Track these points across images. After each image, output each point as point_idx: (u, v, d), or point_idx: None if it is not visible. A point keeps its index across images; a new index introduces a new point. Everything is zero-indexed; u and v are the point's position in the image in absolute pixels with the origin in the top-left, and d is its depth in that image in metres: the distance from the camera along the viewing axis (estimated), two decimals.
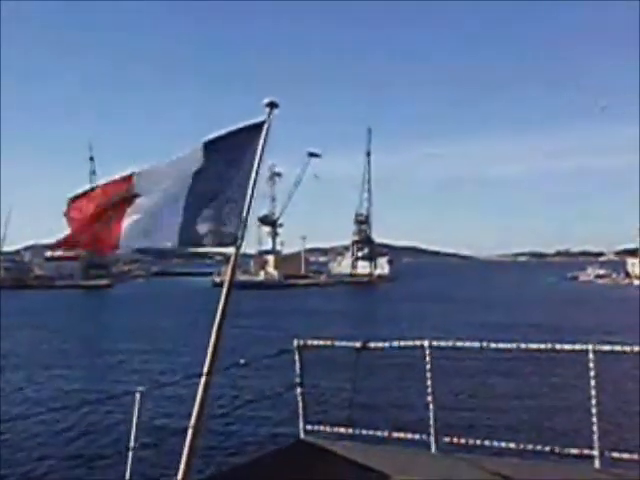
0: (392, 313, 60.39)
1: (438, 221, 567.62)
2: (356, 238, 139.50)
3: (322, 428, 7.27)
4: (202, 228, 5.27)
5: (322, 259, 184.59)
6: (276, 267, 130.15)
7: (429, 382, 6.63)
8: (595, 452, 5.96)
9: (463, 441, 6.59)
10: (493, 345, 6.54)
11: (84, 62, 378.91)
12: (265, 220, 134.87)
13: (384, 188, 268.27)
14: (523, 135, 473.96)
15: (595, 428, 5.96)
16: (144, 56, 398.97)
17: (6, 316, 56.79)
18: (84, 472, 16.24)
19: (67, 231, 5.34)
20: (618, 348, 6.05)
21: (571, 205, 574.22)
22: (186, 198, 5.25)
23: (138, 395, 5.44)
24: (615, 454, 5.93)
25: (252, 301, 65.90)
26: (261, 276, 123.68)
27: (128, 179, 5.26)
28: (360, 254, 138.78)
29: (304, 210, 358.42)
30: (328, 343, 7.29)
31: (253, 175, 5.35)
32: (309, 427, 7.26)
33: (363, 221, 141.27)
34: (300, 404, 7.26)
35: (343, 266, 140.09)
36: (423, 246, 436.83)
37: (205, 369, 5.15)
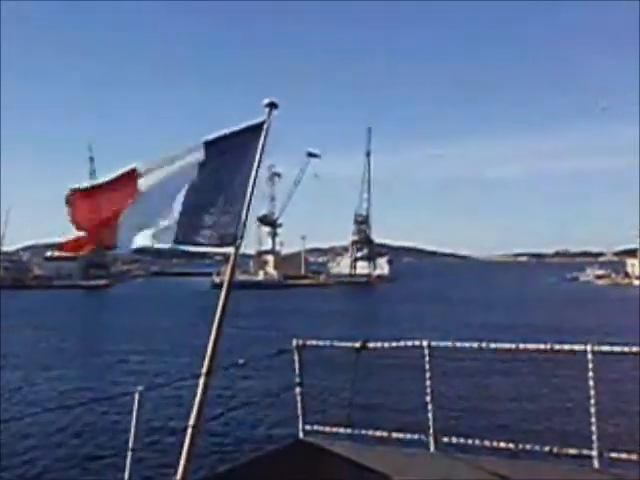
0: (391, 313, 60.42)
1: (438, 221, 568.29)
2: (356, 238, 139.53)
3: (321, 428, 7.27)
4: (201, 228, 5.27)
5: (321, 259, 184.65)
6: (275, 267, 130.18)
7: (428, 382, 6.64)
8: (594, 452, 5.96)
9: (462, 441, 6.59)
10: (492, 345, 6.55)
11: (84, 62, 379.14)
12: (265, 220, 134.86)
13: (384, 188, 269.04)
14: (523, 136, 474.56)
15: (594, 428, 5.96)
16: (144, 56, 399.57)
17: (5, 316, 56.76)
18: (83, 472, 16.25)
19: (72, 233, 5.34)
20: (617, 349, 6.05)
21: (570, 206, 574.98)
22: (185, 198, 5.25)
23: (137, 395, 5.44)
24: (614, 454, 5.93)
25: (251, 301, 65.90)
26: (260, 276, 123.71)
27: (131, 175, 5.24)
28: (359, 254, 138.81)
29: (304, 210, 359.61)
30: (327, 343, 7.29)
31: (253, 175, 5.35)
32: (308, 427, 7.26)
33: (363, 221, 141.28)
34: (299, 404, 7.26)
35: (342, 266, 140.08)
36: (422, 246, 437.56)
37: (204, 369, 5.15)
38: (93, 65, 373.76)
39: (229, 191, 5.31)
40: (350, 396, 8.13)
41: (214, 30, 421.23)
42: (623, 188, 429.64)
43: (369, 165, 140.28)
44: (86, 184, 5.46)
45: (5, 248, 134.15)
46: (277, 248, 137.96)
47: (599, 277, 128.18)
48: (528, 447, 6.33)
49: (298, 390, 7.24)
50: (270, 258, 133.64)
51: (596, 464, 5.95)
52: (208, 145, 5.33)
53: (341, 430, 7.18)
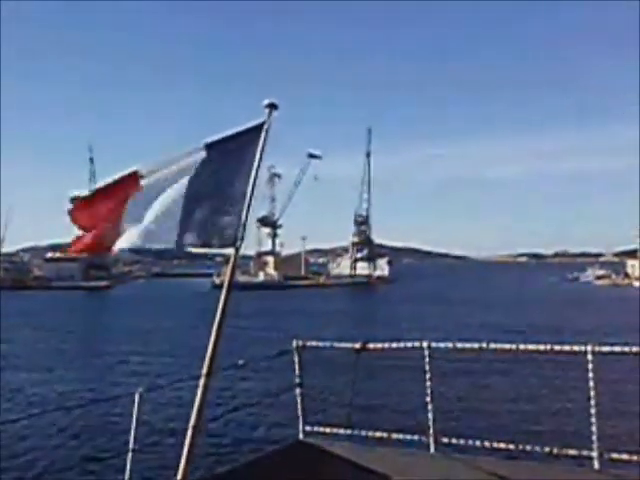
0: (391, 314, 60.42)
1: (438, 222, 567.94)
2: (356, 239, 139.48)
3: (321, 429, 7.27)
4: (201, 229, 5.27)
5: (322, 260, 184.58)
6: (276, 268, 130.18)
7: (428, 383, 6.64)
8: (594, 453, 5.96)
9: (462, 442, 6.59)
10: (492, 346, 6.55)
11: (84, 62, 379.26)
12: (265, 221, 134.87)
13: (384, 189, 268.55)
14: (523, 136, 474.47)
15: (594, 429, 5.96)
16: (144, 56, 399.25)
17: (5, 317, 56.76)
18: (84, 473, 16.24)
19: (74, 234, 5.36)
20: (617, 349, 6.05)
21: (570, 206, 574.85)
22: (185, 199, 5.25)
23: (137, 396, 5.45)
24: (614, 455, 5.93)
25: (252, 302, 65.90)
26: (261, 277, 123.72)
27: (133, 178, 5.25)
28: (360, 255, 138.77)
29: (304, 211, 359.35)
30: (327, 344, 7.29)
31: (253, 176, 5.35)
32: (308, 428, 7.26)
33: (363, 222, 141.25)
34: (299, 405, 7.26)
35: (343, 267, 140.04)
36: (423, 247, 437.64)
37: (204, 370, 5.15)
38: (93, 65, 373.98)
39: (229, 192, 5.32)
40: (350, 397, 8.13)
41: (214, 30, 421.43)
42: (623, 188, 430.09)
43: (369, 166, 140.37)
44: (86, 192, 5.50)
45: (5, 249, 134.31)
46: (277, 249, 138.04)
47: (599, 278, 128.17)
48: (528, 448, 6.33)
49: (298, 391, 7.25)
50: (270, 259, 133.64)
51: (596, 465, 5.95)
52: (209, 147, 5.34)
53: (341, 431, 7.18)
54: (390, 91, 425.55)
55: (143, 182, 5.25)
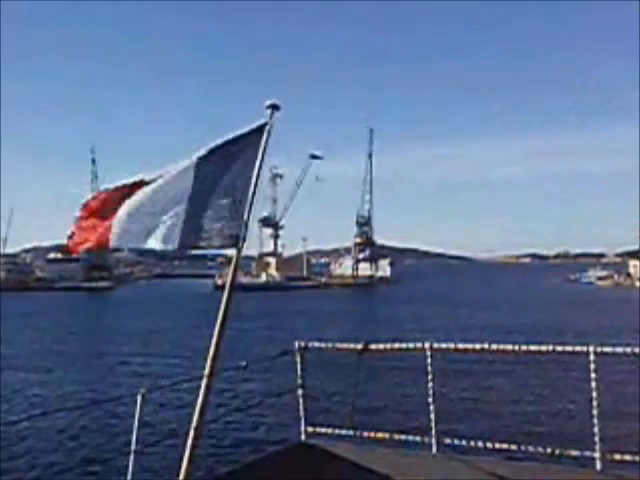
0: (393, 315, 60.40)
1: (440, 223, 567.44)
2: (358, 240, 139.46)
3: (323, 430, 7.27)
4: (204, 230, 5.28)
5: (323, 261, 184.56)
6: (278, 269, 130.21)
7: (430, 384, 6.64)
8: (596, 454, 5.95)
9: (464, 443, 6.59)
10: (494, 347, 6.55)
11: (84, 62, 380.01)
12: (266, 222, 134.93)
13: (385, 189, 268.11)
14: (524, 136, 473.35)
15: (596, 430, 5.96)
16: (144, 56, 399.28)
17: (8, 318, 56.88)
18: (86, 474, 16.24)
19: (71, 232, 5.37)
20: (619, 350, 6.04)
21: (572, 207, 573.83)
22: (188, 200, 5.26)
23: (140, 397, 5.46)
24: (616, 456, 5.93)
25: (253, 303, 65.94)
26: (263, 278, 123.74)
27: (138, 186, 5.31)
28: (361, 256, 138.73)
29: (305, 212, 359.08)
30: (329, 345, 7.29)
31: (254, 177, 5.36)
32: (310, 429, 7.26)
33: (365, 223, 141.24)
34: (301, 406, 7.26)
35: (344, 268, 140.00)
36: (425, 248, 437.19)
37: (206, 371, 5.15)
38: (93, 65, 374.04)
39: (231, 193, 5.32)
40: (352, 398, 8.14)
41: (214, 30, 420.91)
42: (625, 189, 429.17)
43: (371, 166, 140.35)
44: (90, 194, 5.51)
45: (8, 250, 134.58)
46: (279, 250, 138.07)
47: (601, 278, 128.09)
48: (530, 449, 6.33)
49: (300, 392, 7.25)
50: (272, 260, 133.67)
51: (598, 466, 5.95)
52: (211, 152, 5.36)
53: (343, 432, 7.18)
54: (392, 92, 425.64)
55: (141, 187, 5.29)
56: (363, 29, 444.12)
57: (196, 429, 5.03)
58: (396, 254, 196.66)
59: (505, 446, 6.47)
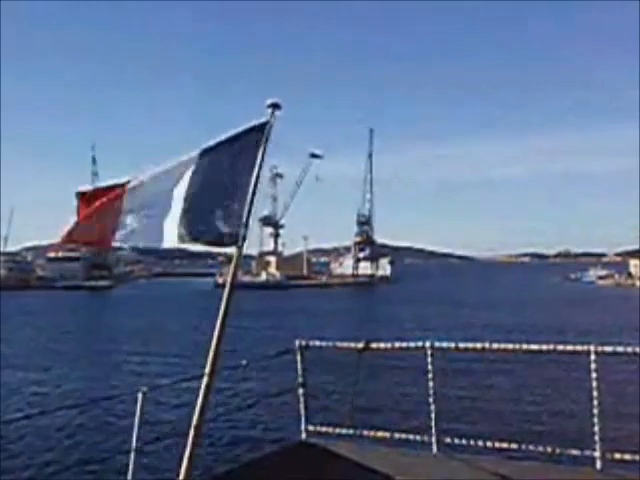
0: (394, 314, 60.39)
1: (440, 222, 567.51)
2: (358, 239, 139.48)
3: (324, 429, 7.27)
4: (204, 228, 5.27)
5: (324, 260, 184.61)
6: (278, 268, 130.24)
7: (430, 383, 6.64)
8: (597, 453, 5.95)
9: (464, 442, 6.59)
10: (495, 346, 6.55)
11: (83, 62, 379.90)
12: (267, 221, 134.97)
13: (386, 189, 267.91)
14: (525, 136, 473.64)
15: (596, 429, 5.96)
16: (143, 55, 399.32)
17: (8, 317, 56.91)
18: (86, 473, 16.24)
19: (65, 227, 5.35)
20: (620, 349, 6.04)
21: (573, 206, 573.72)
22: (187, 198, 5.24)
23: (140, 395, 5.46)
24: (617, 456, 5.92)
25: (254, 302, 65.94)
26: (263, 277, 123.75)
27: (130, 181, 5.28)
28: (362, 255, 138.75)
29: (306, 211, 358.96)
30: (330, 344, 7.29)
31: (255, 176, 5.35)
32: (311, 428, 7.27)
33: (365, 222, 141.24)
34: (302, 405, 7.26)
35: (345, 267, 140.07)
36: (425, 247, 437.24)
37: (207, 370, 5.15)
38: (92, 64, 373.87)
39: (231, 191, 5.31)
40: (352, 397, 8.13)
41: (214, 30, 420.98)
42: (626, 189, 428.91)
43: (371, 166, 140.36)
44: (87, 188, 5.47)
45: (9, 248, 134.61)
46: (279, 249, 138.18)
47: (602, 278, 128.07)
48: (531, 448, 6.32)
49: (301, 391, 7.25)
50: (272, 259, 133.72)
51: (599, 465, 5.95)
52: (209, 149, 5.34)
53: (343, 431, 7.18)
54: (392, 91, 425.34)
55: (140, 184, 5.26)
56: (363, 29, 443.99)
57: (196, 428, 5.03)
58: (396, 253, 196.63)
59: (505, 445, 6.46)
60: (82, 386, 27.94)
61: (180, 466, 5.08)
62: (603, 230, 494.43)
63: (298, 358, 7.17)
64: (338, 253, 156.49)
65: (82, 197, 5.34)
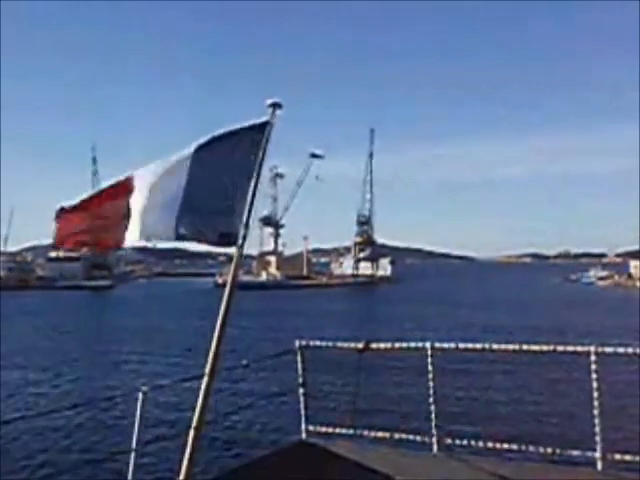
0: (394, 314, 60.36)
1: (440, 223, 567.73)
2: (358, 239, 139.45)
3: (324, 429, 7.27)
4: (203, 227, 5.25)
5: (324, 260, 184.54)
6: (278, 268, 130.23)
7: (431, 383, 6.64)
8: (597, 454, 5.95)
9: (464, 442, 6.59)
10: (495, 346, 6.55)
11: (84, 62, 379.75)
12: (267, 221, 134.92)
13: (386, 189, 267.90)
14: (526, 136, 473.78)
15: (597, 430, 5.95)
16: (144, 55, 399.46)
17: (8, 316, 56.91)
18: (86, 471, 16.24)
19: (62, 230, 5.34)
20: (620, 350, 6.04)
21: (573, 207, 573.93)
22: (187, 196, 5.21)
23: (141, 395, 5.45)
24: (617, 457, 5.92)
25: (254, 302, 65.89)
26: (263, 277, 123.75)
27: (129, 181, 5.26)
28: (362, 255, 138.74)
29: (306, 211, 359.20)
30: (330, 344, 7.29)
31: (255, 175, 5.34)
32: (311, 428, 7.26)
33: (365, 222, 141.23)
34: (302, 405, 7.26)
35: (345, 267, 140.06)
36: (425, 247, 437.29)
37: (207, 370, 5.15)
38: (93, 63, 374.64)
39: (232, 191, 5.29)
40: (353, 397, 8.12)
41: (215, 29, 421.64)
42: (627, 189, 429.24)
43: (371, 166, 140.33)
44: (74, 201, 5.42)
45: (9, 248, 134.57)
46: (279, 249, 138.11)
47: (602, 278, 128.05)
48: (531, 449, 6.32)
49: (301, 391, 7.25)
50: (272, 259, 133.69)
51: (599, 466, 5.94)
52: (209, 143, 5.30)
53: (344, 431, 7.17)
54: (393, 92, 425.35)
55: (141, 180, 5.23)
56: (363, 29, 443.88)
57: (196, 428, 5.03)
58: (397, 253, 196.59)
59: (506, 446, 6.46)
60: (82, 386, 27.92)
61: (180, 466, 5.07)
62: (603, 230, 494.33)
63: (298, 358, 7.17)
64: (338, 253, 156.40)
65: (79, 205, 5.34)
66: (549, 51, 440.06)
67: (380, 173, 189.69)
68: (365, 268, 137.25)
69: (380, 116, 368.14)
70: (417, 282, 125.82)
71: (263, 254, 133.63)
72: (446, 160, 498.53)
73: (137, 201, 5.19)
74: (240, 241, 5.23)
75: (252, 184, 5.31)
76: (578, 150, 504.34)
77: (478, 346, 6.64)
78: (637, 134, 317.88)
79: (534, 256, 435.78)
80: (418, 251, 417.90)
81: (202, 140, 5.32)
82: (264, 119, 5.38)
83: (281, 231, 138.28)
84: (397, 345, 6.98)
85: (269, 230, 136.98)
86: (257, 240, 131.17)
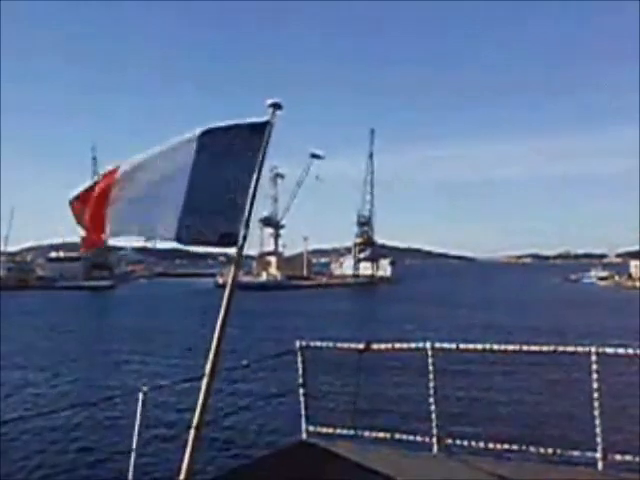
0: (394, 315, 60.36)
1: (441, 223, 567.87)
2: (358, 240, 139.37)
3: (324, 429, 7.27)
4: (203, 227, 5.23)
5: (324, 260, 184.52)
6: (278, 268, 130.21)
7: (431, 384, 6.64)
8: (598, 455, 5.95)
9: (465, 443, 6.59)
10: (495, 347, 6.54)
11: (84, 62, 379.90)
12: (267, 222, 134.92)
13: (386, 190, 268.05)
14: (525, 137, 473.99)
15: (598, 431, 5.95)
16: (143, 59, 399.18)
17: (8, 317, 56.91)
18: (87, 472, 16.26)
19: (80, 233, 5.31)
20: (621, 351, 6.04)
21: (573, 207, 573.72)
22: (187, 196, 5.18)
23: (141, 395, 5.45)
24: (618, 457, 5.92)
25: (254, 302, 65.89)
26: (263, 277, 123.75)
27: (115, 171, 5.19)
28: (362, 255, 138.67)
29: (306, 211, 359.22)
30: (330, 344, 7.29)
31: (256, 176, 5.33)
32: (311, 428, 7.26)
33: (365, 222, 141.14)
34: (302, 405, 7.26)
35: (345, 267, 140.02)
36: (425, 248, 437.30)
37: (207, 370, 5.14)
38: (92, 64, 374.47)
39: (232, 192, 5.28)
40: (353, 397, 8.12)
41: (214, 33, 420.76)
42: (627, 190, 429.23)
43: (372, 167, 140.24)
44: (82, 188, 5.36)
45: (9, 248, 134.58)
46: (280, 249, 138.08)
47: (602, 279, 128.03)
48: (532, 449, 6.32)
49: (301, 391, 7.25)
50: (273, 259, 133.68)
51: (600, 466, 5.94)
52: (206, 136, 5.24)
53: (344, 431, 7.17)
54: (393, 93, 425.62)
55: (133, 169, 5.17)
56: (364, 30, 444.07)
57: (197, 428, 5.02)
58: (397, 254, 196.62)
59: (506, 447, 6.46)
60: (82, 386, 27.92)
61: (180, 466, 5.07)
62: (604, 231, 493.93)
63: (299, 359, 7.17)
64: (339, 254, 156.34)
65: (80, 198, 5.28)
66: (549, 53, 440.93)
67: (380, 173, 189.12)
68: (365, 268, 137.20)
69: (380, 117, 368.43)
70: (417, 282, 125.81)
71: (263, 254, 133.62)
72: (446, 161, 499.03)
73: (135, 193, 5.13)
74: (240, 241, 5.22)
75: (253, 183, 5.29)
76: (578, 151, 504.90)
77: (478, 346, 6.64)
78: (637, 135, 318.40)
79: (534, 256, 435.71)
80: (418, 251, 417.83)
81: (201, 130, 5.24)
82: (264, 119, 5.37)
83: (281, 231, 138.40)
84: (397, 345, 6.98)
85: (269, 231, 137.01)
86: (257, 241, 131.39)
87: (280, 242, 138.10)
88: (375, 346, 6.98)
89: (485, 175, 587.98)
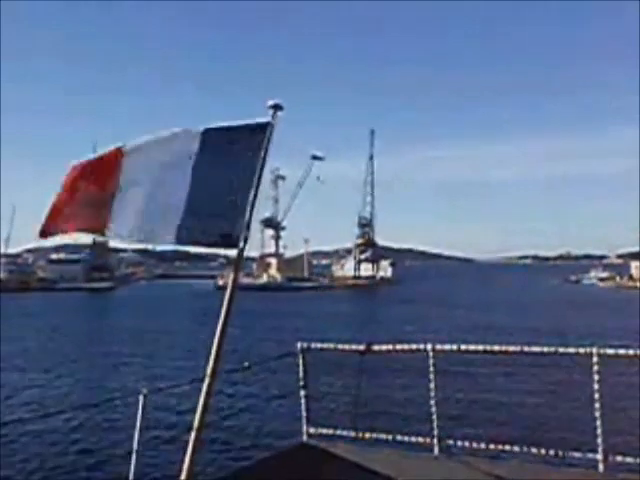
0: (395, 316, 60.34)
1: (441, 224, 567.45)
2: (359, 241, 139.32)
3: (325, 431, 7.26)
4: (204, 229, 5.22)
5: (325, 262, 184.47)
6: (279, 270, 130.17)
7: (432, 385, 6.63)
8: (599, 456, 5.94)
9: (466, 444, 6.58)
10: (496, 348, 6.54)
11: (84, 61, 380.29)
12: (268, 223, 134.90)
13: (386, 191, 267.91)
14: (525, 138, 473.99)
15: (599, 432, 5.95)
16: (143, 60, 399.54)
17: (9, 318, 56.90)
18: (88, 474, 16.26)
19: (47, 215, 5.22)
20: (622, 352, 6.04)
21: (573, 208, 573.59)
22: (188, 196, 5.17)
23: (141, 397, 5.45)
24: (619, 458, 5.91)
25: (255, 304, 65.87)
26: (264, 279, 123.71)
27: (117, 155, 5.14)
28: (363, 257, 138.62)
29: (307, 213, 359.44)
30: (331, 346, 7.28)
31: (257, 177, 5.32)
32: (312, 430, 7.26)
33: (366, 224, 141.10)
34: (303, 407, 7.26)
35: (346, 269, 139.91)
36: (426, 249, 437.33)
37: (208, 372, 5.14)
38: (92, 64, 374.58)
39: (233, 193, 5.27)
40: (354, 399, 8.11)
41: (214, 33, 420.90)
42: (627, 190, 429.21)
43: (372, 168, 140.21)
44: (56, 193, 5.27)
45: (10, 250, 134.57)
46: (280, 251, 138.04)
47: (603, 280, 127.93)
48: (533, 451, 6.31)
49: (302, 393, 7.24)
50: (273, 261, 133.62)
51: (601, 468, 5.93)
52: (207, 136, 5.22)
53: (345, 433, 7.17)
54: (393, 94, 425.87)
55: (130, 162, 5.12)
56: (364, 30, 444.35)
57: (197, 430, 5.02)
58: (397, 255, 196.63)
59: (507, 448, 6.45)
60: (83, 388, 27.91)
61: (181, 468, 5.07)
62: (604, 232, 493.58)
63: (300, 360, 7.16)
64: (339, 255, 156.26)
65: (69, 177, 5.21)
66: (548, 53, 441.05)
67: (381, 175, 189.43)
68: (366, 270, 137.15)
69: (380, 117, 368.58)
70: (417, 284, 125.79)
71: (264, 256, 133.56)
72: (446, 162, 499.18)
73: (134, 190, 5.09)
74: (241, 243, 5.22)
75: (253, 185, 5.28)
76: (578, 151, 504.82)
77: (479, 348, 6.64)
78: (637, 135, 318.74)
79: (534, 257, 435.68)
80: (419, 253, 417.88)
81: (199, 130, 5.22)
82: (265, 120, 5.36)
83: (282, 233, 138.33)
84: (398, 347, 6.98)
85: (270, 232, 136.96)
86: (258, 242, 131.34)
87: (281, 243, 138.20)
88: (376, 347, 6.98)
89: (485, 175, 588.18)
